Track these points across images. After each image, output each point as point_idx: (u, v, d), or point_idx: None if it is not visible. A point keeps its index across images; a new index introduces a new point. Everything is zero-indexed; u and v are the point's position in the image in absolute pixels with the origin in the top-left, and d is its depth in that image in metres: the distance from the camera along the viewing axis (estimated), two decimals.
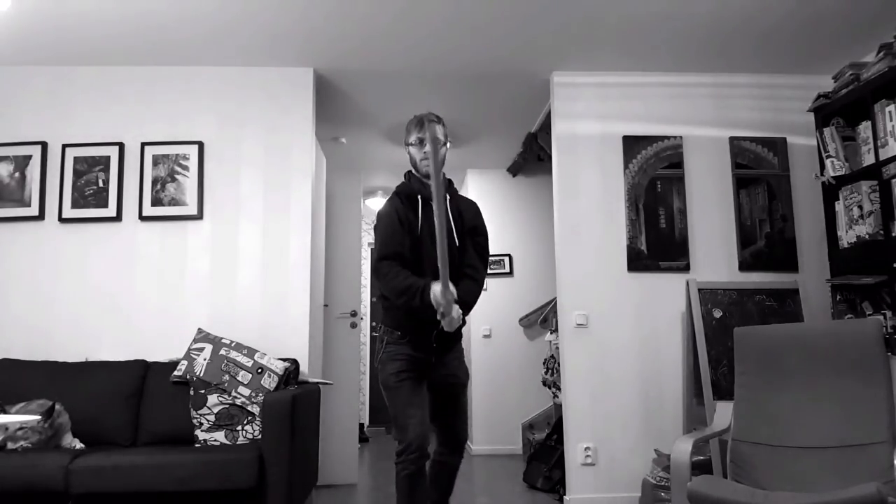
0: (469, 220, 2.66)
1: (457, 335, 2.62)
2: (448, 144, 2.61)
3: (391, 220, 2.53)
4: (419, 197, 2.56)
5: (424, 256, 2.51)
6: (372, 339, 7.45)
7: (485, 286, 2.76)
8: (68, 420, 3.08)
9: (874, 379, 2.39)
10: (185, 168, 3.75)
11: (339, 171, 4.83)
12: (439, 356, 2.58)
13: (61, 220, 3.67)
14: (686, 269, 3.84)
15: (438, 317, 2.39)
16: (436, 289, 2.35)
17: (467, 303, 2.51)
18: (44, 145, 3.72)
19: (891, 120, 3.00)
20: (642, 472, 3.58)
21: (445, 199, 2.52)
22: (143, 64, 3.81)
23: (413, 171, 2.63)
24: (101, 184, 3.70)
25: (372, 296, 7.54)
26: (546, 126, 4.49)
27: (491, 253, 6.18)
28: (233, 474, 2.78)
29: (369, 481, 4.66)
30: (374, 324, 7.48)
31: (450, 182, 2.66)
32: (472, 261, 2.61)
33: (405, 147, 2.64)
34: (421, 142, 2.54)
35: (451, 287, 2.37)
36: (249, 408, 3.13)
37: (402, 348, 2.54)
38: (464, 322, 2.50)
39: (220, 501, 2.82)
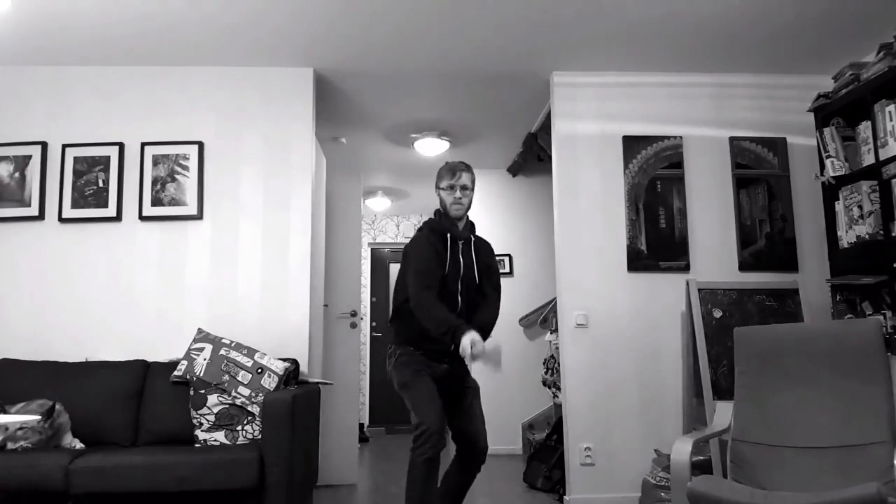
0: (484, 259, 2.85)
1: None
2: (473, 190, 2.81)
3: (431, 254, 2.70)
4: (448, 235, 2.76)
5: (447, 292, 2.69)
6: (372, 338, 7.45)
7: None
8: (68, 420, 3.08)
9: (874, 379, 2.39)
10: (185, 168, 3.75)
11: (339, 171, 4.83)
12: (450, 367, 2.75)
13: (61, 220, 3.67)
14: (686, 269, 3.84)
15: (464, 355, 2.49)
16: (471, 337, 2.46)
17: (486, 332, 2.67)
18: (44, 145, 3.72)
19: (891, 120, 3.00)
20: (642, 472, 3.58)
21: (471, 241, 2.81)
22: (143, 64, 3.81)
23: (442, 210, 2.81)
24: (101, 184, 3.70)
25: (372, 296, 7.54)
26: (546, 126, 4.49)
27: None
28: (233, 474, 2.78)
29: (369, 481, 4.66)
30: (373, 324, 7.48)
31: (472, 225, 2.90)
32: (490, 295, 2.85)
33: (436, 190, 2.82)
34: (452, 188, 2.74)
35: (479, 339, 2.47)
36: (249, 408, 3.13)
37: (415, 357, 2.73)
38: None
39: (220, 501, 2.82)
